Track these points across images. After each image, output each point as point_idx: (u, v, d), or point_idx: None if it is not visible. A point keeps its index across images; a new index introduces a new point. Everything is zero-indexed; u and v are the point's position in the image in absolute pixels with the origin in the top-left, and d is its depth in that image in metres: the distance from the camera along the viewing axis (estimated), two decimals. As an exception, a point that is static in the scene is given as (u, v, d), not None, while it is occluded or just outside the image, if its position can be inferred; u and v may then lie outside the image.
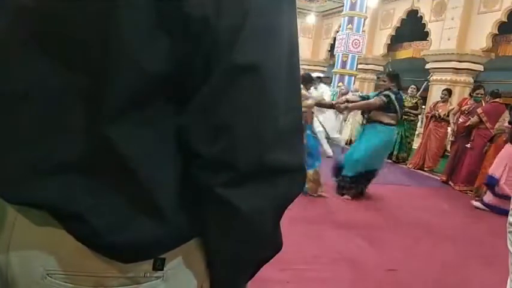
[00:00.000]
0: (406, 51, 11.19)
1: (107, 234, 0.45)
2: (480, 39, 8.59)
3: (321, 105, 5.05)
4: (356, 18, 9.11)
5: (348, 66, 9.24)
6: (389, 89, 4.48)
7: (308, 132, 4.38)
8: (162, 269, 0.50)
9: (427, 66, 9.51)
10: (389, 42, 11.45)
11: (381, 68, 12.20)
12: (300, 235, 3.34)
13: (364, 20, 9.43)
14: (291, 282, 2.54)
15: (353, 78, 9.49)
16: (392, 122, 4.52)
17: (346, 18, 9.22)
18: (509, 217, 1.83)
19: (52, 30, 0.46)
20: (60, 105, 0.46)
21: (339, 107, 4.72)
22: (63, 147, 0.46)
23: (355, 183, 4.55)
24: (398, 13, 10.94)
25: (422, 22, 10.02)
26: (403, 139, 7.54)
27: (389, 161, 7.74)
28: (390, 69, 12.72)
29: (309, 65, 15.32)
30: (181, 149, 0.48)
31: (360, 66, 10.84)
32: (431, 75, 9.39)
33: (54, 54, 0.46)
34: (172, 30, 0.44)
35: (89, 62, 0.45)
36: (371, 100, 4.53)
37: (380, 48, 11.68)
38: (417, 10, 10.26)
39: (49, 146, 0.46)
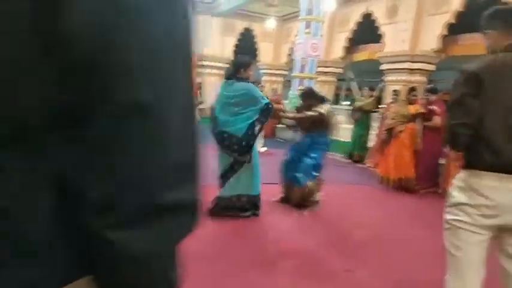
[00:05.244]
0: (363, 54, 11.48)
1: None
2: (431, 40, 8.93)
3: None
4: (313, 22, 9.26)
5: (307, 70, 9.37)
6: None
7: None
8: None
9: (382, 67, 9.79)
10: (347, 45, 11.69)
11: (340, 70, 12.45)
12: (256, 236, 3.35)
13: (322, 24, 9.60)
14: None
15: (313, 81, 9.63)
16: None
17: (304, 22, 9.36)
18: (445, 214, 1.88)
19: None
20: None
21: None
22: None
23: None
24: (355, 16, 11.20)
25: (376, 25, 10.31)
26: (357, 138, 7.76)
27: (348, 160, 7.92)
28: (350, 73, 13.08)
29: (270, 69, 15.46)
30: (64, 187, 0.46)
31: (319, 69, 11.00)
32: (386, 76, 9.68)
33: None
34: (51, 62, 0.42)
35: None
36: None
37: (338, 51, 11.90)
38: (371, 13, 10.55)
39: None
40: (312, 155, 4.41)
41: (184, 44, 0.50)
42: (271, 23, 13.93)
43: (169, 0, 0.47)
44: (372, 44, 10.96)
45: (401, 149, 5.69)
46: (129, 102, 0.43)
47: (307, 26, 9.27)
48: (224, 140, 3.78)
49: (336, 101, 15.30)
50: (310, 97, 4.59)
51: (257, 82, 7.14)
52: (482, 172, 1.70)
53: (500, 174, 1.67)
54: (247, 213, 3.96)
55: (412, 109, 5.82)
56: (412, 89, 6.19)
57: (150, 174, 0.46)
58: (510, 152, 1.65)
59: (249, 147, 3.79)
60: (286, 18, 14.55)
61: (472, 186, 1.73)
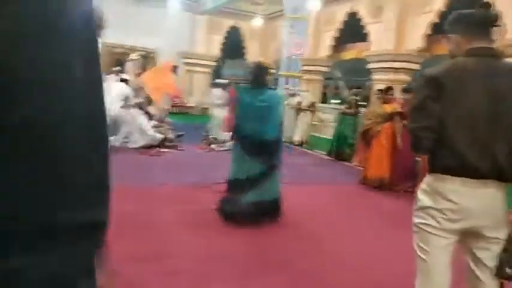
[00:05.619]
0: (350, 53, 11.53)
1: None
2: (416, 40, 9.00)
3: None
4: (298, 21, 9.29)
5: (292, 68, 9.40)
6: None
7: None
8: None
9: (369, 66, 9.84)
10: (333, 43, 11.72)
11: (326, 69, 12.49)
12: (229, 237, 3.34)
13: (307, 23, 9.63)
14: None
15: (297, 80, 9.66)
16: None
17: (289, 21, 9.38)
18: (413, 218, 1.88)
19: None
20: None
21: None
22: None
23: None
24: (340, 15, 11.24)
25: (362, 24, 10.36)
26: (341, 136, 7.78)
27: (330, 158, 7.92)
28: (337, 72, 13.13)
29: (258, 67, 15.44)
30: None
31: (306, 68, 11.04)
32: (372, 75, 9.75)
33: None
34: None
35: None
36: None
37: (325, 49, 11.94)
38: (356, 12, 10.59)
39: None
40: None
41: (83, 49, 0.47)
42: (257, 22, 13.92)
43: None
44: (359, 43, 11.01)
45: (379, 149, 5.72)
46: (14, 118, 0.41)
47: (292, 24, 9.30)
48: (267, 148, 3.68)
49: (324, 99, 15.34)
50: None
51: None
52: (446, 176, 1.69)
53: (464, 179, 1.67)
54: (271, 218, 3.83)
55: (389, 108, 5.82)
56: (389, 88, 6.20)
57: (49, 195, 0.43)
58: (472, 156, 1.65)
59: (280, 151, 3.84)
60: (272, 17, 14.54)
61: (437, 190, 1.73)
